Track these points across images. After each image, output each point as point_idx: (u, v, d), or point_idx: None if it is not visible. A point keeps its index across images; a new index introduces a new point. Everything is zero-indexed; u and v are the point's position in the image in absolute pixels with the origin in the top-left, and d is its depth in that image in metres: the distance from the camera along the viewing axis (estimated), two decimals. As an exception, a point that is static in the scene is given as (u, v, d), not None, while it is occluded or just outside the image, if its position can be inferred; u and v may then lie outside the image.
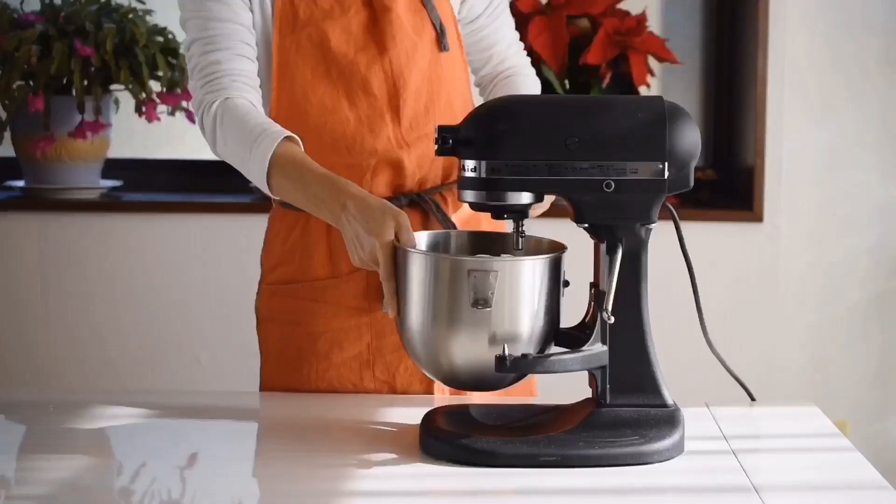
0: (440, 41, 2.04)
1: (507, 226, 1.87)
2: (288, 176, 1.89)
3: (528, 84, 2.19)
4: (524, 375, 1.76)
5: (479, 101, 2.05)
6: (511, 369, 1.66)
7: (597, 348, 1.72)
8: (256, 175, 1.92)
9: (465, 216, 2.09)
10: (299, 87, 2.00)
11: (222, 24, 1.98)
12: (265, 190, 1.93)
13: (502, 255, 1.81)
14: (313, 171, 1.89)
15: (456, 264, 1.70)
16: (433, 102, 2.04)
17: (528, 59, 2.24)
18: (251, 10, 2.01)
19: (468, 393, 2.00)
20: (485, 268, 1.68)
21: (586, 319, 1.77)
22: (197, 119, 2.02)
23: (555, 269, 1.74)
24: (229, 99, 1.97)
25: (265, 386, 2.11)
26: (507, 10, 2.19)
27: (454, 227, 2.04)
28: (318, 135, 2.01)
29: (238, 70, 1.98)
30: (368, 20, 2.02)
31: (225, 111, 1.96)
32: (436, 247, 1.85)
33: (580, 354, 1.71)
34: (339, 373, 2.04)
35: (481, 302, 1.67)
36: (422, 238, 1.84)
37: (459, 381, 1.74)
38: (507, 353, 1.65)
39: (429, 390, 2.05)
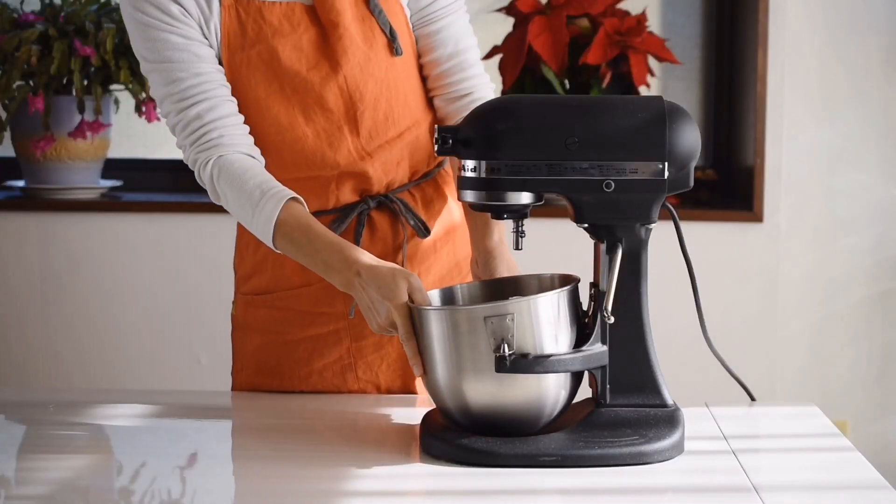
0: (391, 46, 1.99)
1: (509, 224, 1.86)
2: (294, 242, 1.86)
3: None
4: (559, 416, 1.74)
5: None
6: (511, 369, 1.66)
7: (597, 348, 1.72)
8: (262, 237, 1.90)
9: (433, 211, 2.08)
10: (253, 105, 1.97)
11: (189, 73, 1.93)
12: (272, 246, 1.90)
13: (514, 296, 1.79)
14: (321, 237, 1.85)
15: (472, 314, 1.68)
16: (392, 109, 2.01)
17: (487, 78, 2.10)
18: (206, 39, 1.95)
19: None
20: (500, 312, 1.67)
21: (586, 320, 1.77)
22: (196, 175, 1.97)
23: (571, 301, 1.73)
24: (223, 157, 1.92)
25: (239, 389, 2.11)
26: (462, 17, 2.07)
27: (425, 225, 2.03)
28: (277, 151, 1.99)
29: (222, 118, 1.93)
30: (318, 36, 1.97)
31: (220, 171, 1.92)
32: (448, 301, 1.85)
33: (580, 354, 1.70)
34: (321, 377, 2.05)
35: (503, 347, 1.66)
36: (434, 296, 1.83)
37: (495, 428, 1.71)
38: (506, 352, 1.65)
39: (409, 387, 2.06)
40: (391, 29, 1.99)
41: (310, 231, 1.86)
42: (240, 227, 2.11)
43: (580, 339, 1.73)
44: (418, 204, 2.06)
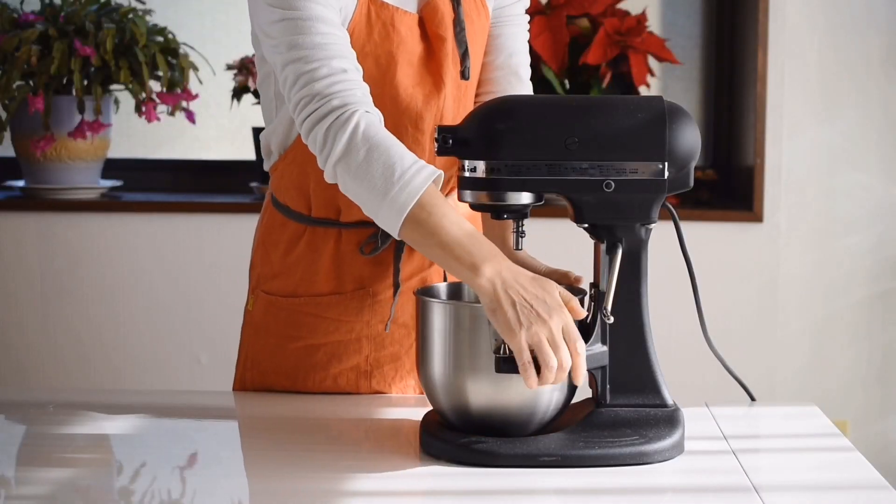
0: (462, 66, 1.96)
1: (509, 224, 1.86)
2: (439, 219, 1.70)
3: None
4: (550, 422, 1.73)
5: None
6: (511, 370, 1.66)
7: (597, 348, 1.72)
8: (391, 214, 1.72)
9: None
10: None
11: (339, 30, 1.82)
12: (390, 228, 1.74)
13: None
14: (460, 226, 1.70)
15: (476, 311, 1.68)
16: None
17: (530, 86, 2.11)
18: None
19: None
20: None
21: (586, 320, 1.77)
22: (312, 126, 1.78)
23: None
24: (370, 114, 1.78)
25: (243, 387, 2.10)
26: (523, 32, 2.07)
27: None
28: None
29: (363, 86, 1.81)
30: (425, 51, 1.94)
31: (368, 128, 1.76)
32: (455, 297, 1.85)
33: None
34: (335, 382, 2.04)
35: (503, 348, 1.66)
36: (440, 289, 1.83)
37: (483, 428, 1.71)
38: (506, 352, 1.65)
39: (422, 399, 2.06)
40: (466, 51, 1.96)
41: (450, 216, 1.71)
42: (268, 225, 2.07)
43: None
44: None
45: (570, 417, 1.75)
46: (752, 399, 1.99)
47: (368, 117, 1.77)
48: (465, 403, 1.70)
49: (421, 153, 1.94)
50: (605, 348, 1.73)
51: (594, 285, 1.78)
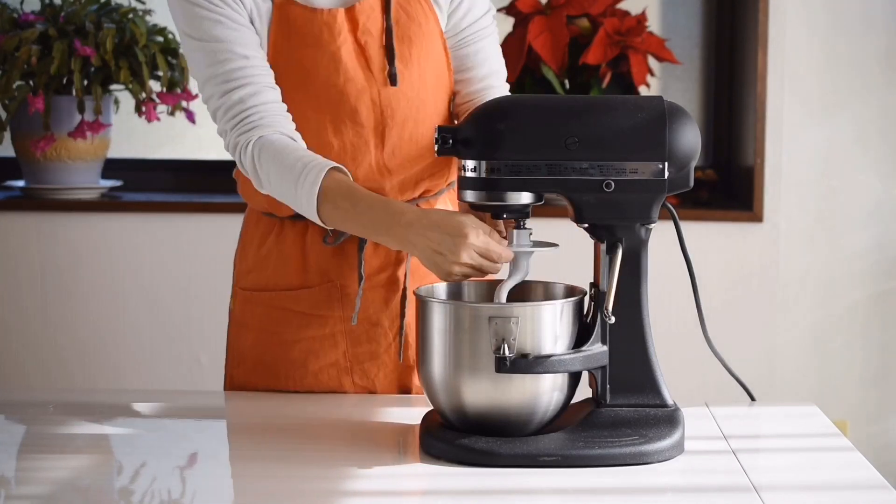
0: (389, 71, 1.98)
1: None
2: (339, 208, 1.84)
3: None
4: (550, 422, 1.74)
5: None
6: (511, 370, 1.66)
7: (597, 348, 1.72)
8: (307, 210, 1.86)
9: None
10: (290, 109, 1.96)
11: (235, 55, 1.91)
12: (318, 223, 1.87)
13: (521, 300, 1.79)
14: (364, 199, 1.83)
15: (476, 311, 1.69)
16: (417, 129, 2.00)
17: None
18: (255, 30, 1.95)
19: None
20: (505, 314, 1.68)
21: (586, 320, 1.77)
22: (236, 160, 1.95)
23: (576, 312, 1.74)
24: (263, 137, 1.90)
25: (232, 387, 2.11)
26: (495, 40, 2.10)
27: None
28: None
29: (265, 103, 1.91)
30: (355, 48, 1.98)
31: (262, 150, 1.89)
32: (454, 297, 1.85)
33: (580, 354, 1.70)
34: (317, 379, 2.05)
35: (503, 348, 1.66)
36: (440, 289, 1.83)
37: (485, 427, 1.72)
38: (506, 353, 1.65)
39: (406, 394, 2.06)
40: (392, 56, 1.98)
41: (353, 195, 1.84)
42: (246, 221, 2.12)
43: (580, 340, 1.73)
44: None
45: (570, 417, 1.75)
46: (752, 399, 1.99)
47: (261, 141, 1.90)
48: (465, 403, 1.70)
49: (364, 146, 1.98)
50: (605, 348, 1.73)
51: (594, 285, 1.78)
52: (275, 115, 1.92)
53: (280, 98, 1.94)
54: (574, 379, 1.73)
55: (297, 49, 1.96)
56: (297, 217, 2.01)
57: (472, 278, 1.76)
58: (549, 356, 1.68)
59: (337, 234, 2.01)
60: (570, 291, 1.79)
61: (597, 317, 1.73)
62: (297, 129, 1.95)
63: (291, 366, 2.05)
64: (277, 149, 1.88)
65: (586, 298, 1.77)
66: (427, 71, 2.01)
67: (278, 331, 2.06)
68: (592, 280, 1.79)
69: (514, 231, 1.78)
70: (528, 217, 1.77)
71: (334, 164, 1.86)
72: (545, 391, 1.70)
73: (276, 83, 1.95)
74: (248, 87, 1.91)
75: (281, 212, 2.04)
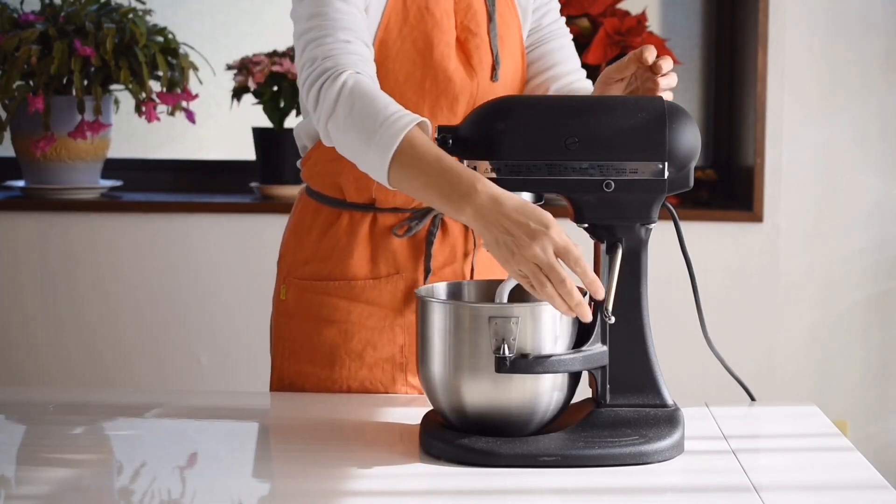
0: (494, 70, 2.03)
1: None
2: (409, 167, 1.71)
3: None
4: (549, 423, 1.74)
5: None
6: (511, 370, 1.66)
7: (597, 348, 1.72)
8: (380, 152, 1.73)
9: None
10: (385, 88, 1.94)
11: (345, 16, 1.87)
12: (380, 177, 1.75)
13: (520, 300, 1.79)
14: (439, 162, 1.70)
15: (476, 311, 1.69)
16: None
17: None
18: (366, 13, 1.94)
19: None
20: (505, 314, 1.68)
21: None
22: (309, 86, 1.82)
23: None
24: (360, 74, 1.82)
25: (281, 379, 2.09)
26: (569, 40, 2.14)
27: None
28: None
29: (364, 55, 1.87)
30: (459, 40, 2.01)
31: (355, 86, 1.79)
32: (454, 297, 1.85)
33: (580, 354, 1.70)
34: (371, 373, 2.05)
35: (503, 348, 1.66)
36: (440, 289, 1.83)
37: (482, 428, 1.72)
38: (506, 353, 1.65)
39: None
40: (497, 54, 2.02)
41: (427, 155, 1.71)
42: (301, 211, 2.11)
43: (580, 340, 1.74)
44: None
45: (570, 417, 1.75)
46: (752, 399, 1.99)
47: (357, 76, 1.81)
48: (465, 403, 1.70)
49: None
50: (605, 348, 1.73)
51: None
52: (371, 68, 1.87)
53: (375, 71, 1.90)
54: (574, 379, 1.74)
55: (415, 29, 1.97)
56: (367, 207, 2.03)
57: (529, 302, 1.68)
58: (548, 356, 1.68)
59: (408, 227, 2.03)
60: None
61: (596, 317, 1.73)
62: None
63: (348, 356, 2.05)
64: (372, 88, 1.79)
65: (586, 299, 1.77)
66: (514, 70, 2.06)
67: (340, 320, 2.05)
68: None
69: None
70: None
71: (421, 119, 1.76)
72: (545, 391, 1.70)
73: (387, 61, 1.95)
74: (359, 34, 1.87)
75: (352, 197, 2.04)
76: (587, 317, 1.64)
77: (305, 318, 2.08)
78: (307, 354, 2.07)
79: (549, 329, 1.69)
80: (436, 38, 1.98)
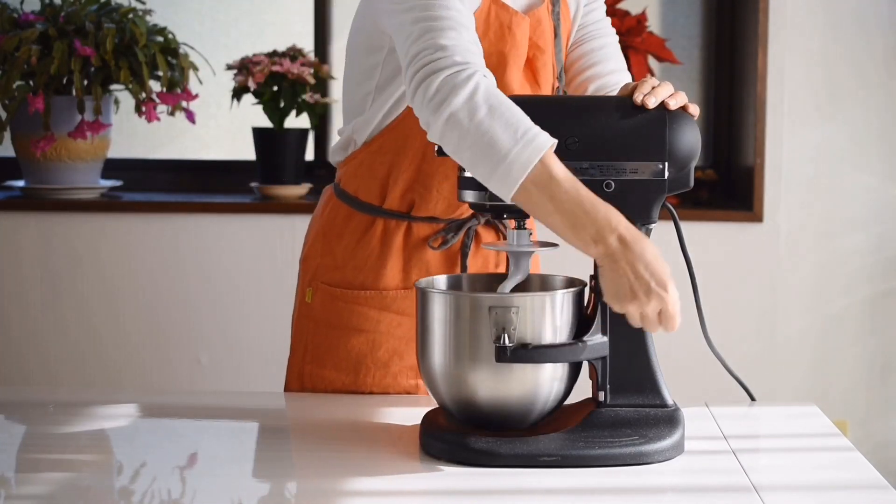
0: (556, 85, 2.02)
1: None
2: (546, 189, 1.65)
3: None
4: (549, 414, 1.74)
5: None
6: (512, 359, 1.66)
7: (597, 339, 1.72)
8: (504, 174, 1.66)
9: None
10: None
11: (465, 17, 1.80)
12: (502, 190, 1.67)
13: (521, 291, 1.79)
14: (578, 192, 1.65)
15: (476, 301, 1.69)
16: None
17: None
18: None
19: None
20: (505, 304, 1.68)
21: (587, 312, 1.77)
22: (428, 75, 1.72)
23: (576, 303, 1.74)
24: (488, 78, 1.73)
25: (301, 382, 2.08)
26: (614, 40, 2.11)
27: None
28: (421, 148, 1.97)
29: (483, 61, 1.79)
30: (528, 58, 1.99)
31: (490, 87, 1.71)
32: (455, 288, 1.85)
33: (581, 345, 1.70)
34: (395, 381, 2.05)
35: (503, 338, 1.66)
36: (440, 281, 1.83)
37: (482, 420, 1.72)
38: (506, 343, 1.65)
39: None
40: (562, 71, 2.01)
41: (568, 181, 1.66)
42: (329, 216, 2.08)
43: (580, 331, 1.73)
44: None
45: (570, 417, 1.75)
46: (752, 399, 1.99)
47: (489, 80, 1.73)
48: (466, 393, 1.70)
49: None
50: (606, 339, 1.73)
51: (594, 277, 1.78)
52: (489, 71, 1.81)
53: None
54: (574, 370, 1.73)
55: (493, 45, 1.93)
56: (403, 217, 2.02)
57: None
58: (549, 346, 1.68)
59: (444, 239, 2.02)
60: (570, 283, 1.79)
61: (597, 308, 1.73)
62: None
63: (374, 365, 2.04)
64: (504, 98, 1.71)
65: (586, 290, 1.77)
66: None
67: (369, 329, 2.04)
68: (592, 272, 1.78)
69: (515, 231, 1.78)
70: (528, 217, 1.77)
71: (553, 140, 1.69)
72: (545, 381, 1.70)
73: None
74: (473, 34, 1.80)
75: (392, 202, 2.02)
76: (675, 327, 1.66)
77: (332, 324, 2.06)
78: (332, 360, 2.06)
79: (549, 319, 1.69)
80: (511, 60, 1.95)
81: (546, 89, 2.01)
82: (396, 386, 2.04)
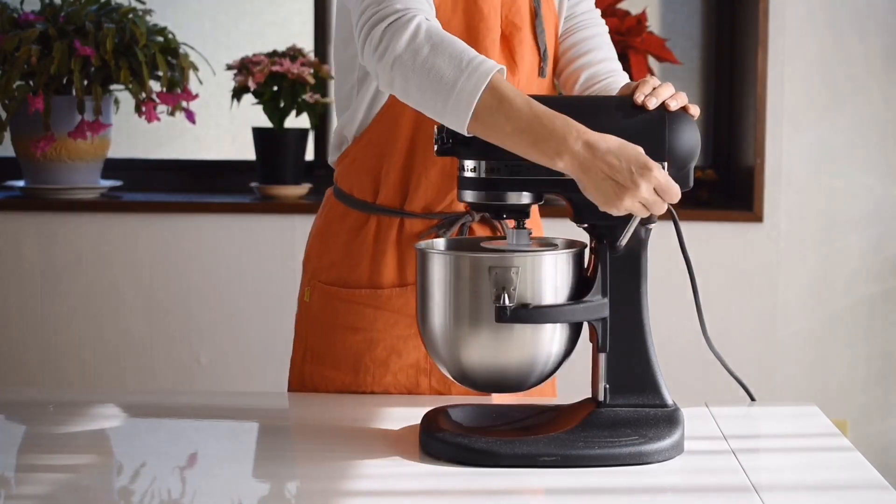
0: (541, 66, 2.01)
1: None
2: (507, 99, 1.66)
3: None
4: (547, 377, 1.75)
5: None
6: (512, 319, 1.66)
7: (597, 300, 1.72)
8: (458, 103, 1.68)
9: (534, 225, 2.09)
10: None
11: None
12: (456, 121, 1.69)
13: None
14: (531, 105, 1.66)
15: (476, 261, 1.69)
16: None
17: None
18: None
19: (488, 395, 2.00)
20: (505, 264, 1.68)
21: (587, 273, 1.76)
22: (372, 26, 1.75)
23: (576, 264, 1.74)
24: (431, 21, 1.76)
25: (302, 381, 2.08)
26: (605, 30, 2.11)
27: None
28: (425, 141, 1.97)
29: (431, 10, 1.82)
30: (504, 35, 1.99)
31: (430, 29, 1.73)
32: (455, 250, 1.85)
33: (581, 305, 1.70)
34: (395, 379, 2.04)
35: (503, 297, 1.66)
36: (439, 245, 1.83)
37: (481, 382, 1.73)
38: (506, 302, 1.65)
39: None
40: (545, 51, 2.01)
41: (521, 100, 1.67)
42: (329, 215, 2.08)
43: (580, 292, 1.73)
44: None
45: (569, 417, 1.75)
46: (752, 399, 1.99)
47: (430, 22, 1.75)
48: (466, 355, 1.70)
49: None
50: (606, 300, 1.72)
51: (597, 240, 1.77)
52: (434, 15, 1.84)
53: None
54: (574, 333, 1.74)
55: (462, 22, 1.94)
56: (396, 213, 2.02)
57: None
58: (549, 306, 1.68)
59: (435, 234, 2.01)
60: (571, 244, 1.79)
61: (597, 269, 1.72)
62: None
63: (373, 364, 2.04)
64: (446, 35, 1.73)
65: (587, 251, 1.77)
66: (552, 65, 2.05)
67: (365, 328, 2.04)
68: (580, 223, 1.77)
69: (514, 231, 1.78)
70: (527, 217, 1.77)
71: (501, 66, 1.71)
72: (544, 342, 1.70)
73: None
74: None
75: (385, 198, 2.02)
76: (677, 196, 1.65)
77: (330, 323, 2.06)
78: (331, 359, 2.06)
79: (549, 279, 1.69)
80: (482, 34, 1.96)
81: (525, 68, 2.01)
82: (397, 384, 2.04)
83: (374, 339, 2.04)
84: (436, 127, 1.76)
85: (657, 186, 1.63)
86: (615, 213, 1.65)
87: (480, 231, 2.06)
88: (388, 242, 2.03)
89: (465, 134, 1.70)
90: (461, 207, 2.03)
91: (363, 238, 2.04)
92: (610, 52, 2.09)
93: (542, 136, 1.64)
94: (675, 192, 1.65)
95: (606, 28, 2.12)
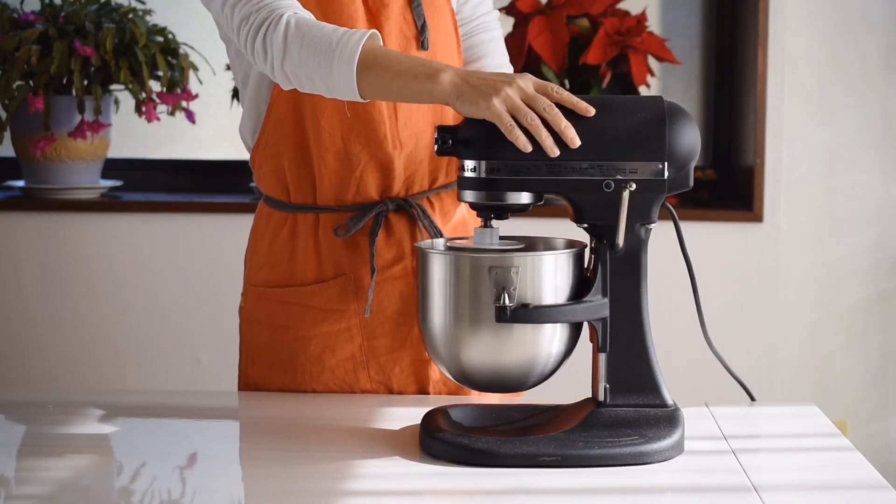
0: (419, 38, 2.01)
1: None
2: (381, 61, 1.76)
3: None
4: (547, 377, 1.75)
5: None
6: (512, 319, 1.66)
7: (597, 300, 1.72)
8: (343, 72, 1.77)
9: (453, 224, 2.09)
10: None
11: None
12: (349, 89, 1.78)
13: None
14: (409, 56, 1.79)
15: (476, 261, 1.69)
16: (421, 104, 2.01)
17: None
18: None
19: (473, 393, 2.00)
20: (505, 264, 1.68)
21: (587, 273, 1.77)
22: (252, 39, 1.85)
23: (577, 264, 1.74)
24: (298, 13, 1.85)
25: (247, 384, 2.11)
26: (502, 35, 2.15)
27: (440, 233, 2.03)
28: (314, 128, 1.99)
29: (297, 3, 1.89)
30: (367, 14, 1.99)
31: (298, 21, 1.82)
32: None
33: (581, 305, 1.70)
34: (333, 374, 2.04)
35: (503, 297, 1.66)
36: (439, 245, 1.83)
37: (481, 382, 1.73)
38: (506, 302, 1.65)
39: (424, 390, 2.06)
40: (424, 22, 2.01)
41: (398, 53, 1.80)
42: (257, 217, 2.11)
43: (580, 292, 1.73)
44: (436, 212, 2.06)
45: (569, 417, 1.75)
46: (752, 399, 1.99)
47: (297, 16, 1.83)
48: (466, 355, 1.70)
49: (377, 113, 1.98)
50: (606, 300, 1.72)
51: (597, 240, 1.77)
52: (306, 11, 1.89)
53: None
54: (574, 333, 1.74)
55: (314, 9, 1.95)
56: (310, 209, 2.02)
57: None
58: (549, 306, 1.68)
59: (348, 226, 2.01)
60: (571, 244, 1.79)
61: (597, 270, 1.72)
62: (315, 97, 1.95)
63: (308, 361, 2.05)
64: (313, 21, 1.83)
65: (587, 251, 1.77)
66: (446, 42, 2.05)
67: (293, 326, 2.05)
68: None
69: (480, 230, 1.77)
70: (507, 217, 1.76)
71: (373, 31, 1.82)
72: (545, 341, 1.70)
73: None
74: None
75: (295, 194, 2.03)
76: (576, 140, 1.67)
77: (264, 324, 2.09)
78: (267, 361, 2.08)
79: (549, 279, 1.69)
80: (333, 11, 1.95)
81: (399, 43, 2.00)
82: (336, 380, 2.04)
83: (305, 337, 2.04)
84: (436, 128, 1.76)
85: (535, 84, 1.69)
86: (489, 116, 1.67)
87: (397, 221, 2.05)
88: (305, 239, 2.04)
89: (361, 100, 1.79)
90: (374, 195, 2.02)
91: (283, 237, 2.05)
92: (503, 57, 2.14)
93: (421, 70, 1.73)
94: (554, 86, 1.68)
95: (501, 31, 2.15)
